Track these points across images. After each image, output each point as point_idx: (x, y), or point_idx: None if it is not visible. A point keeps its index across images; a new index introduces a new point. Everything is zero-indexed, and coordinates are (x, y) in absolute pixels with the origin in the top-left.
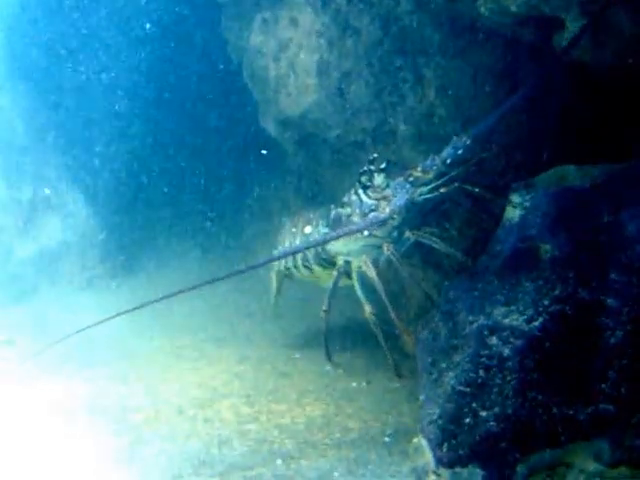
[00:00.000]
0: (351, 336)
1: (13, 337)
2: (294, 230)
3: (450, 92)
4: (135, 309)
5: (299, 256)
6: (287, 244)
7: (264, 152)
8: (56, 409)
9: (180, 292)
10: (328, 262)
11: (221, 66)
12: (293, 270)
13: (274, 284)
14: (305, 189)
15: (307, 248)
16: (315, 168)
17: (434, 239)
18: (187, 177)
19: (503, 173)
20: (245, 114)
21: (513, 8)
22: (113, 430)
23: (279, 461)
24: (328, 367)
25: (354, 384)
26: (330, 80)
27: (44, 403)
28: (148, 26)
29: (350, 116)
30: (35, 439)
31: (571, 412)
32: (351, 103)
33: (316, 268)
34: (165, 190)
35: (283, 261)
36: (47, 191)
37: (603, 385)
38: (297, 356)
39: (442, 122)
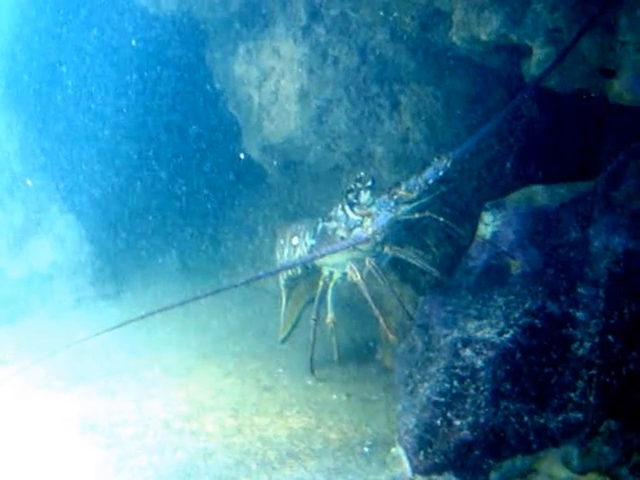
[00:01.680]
0: (331, 352)
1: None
2: (282, 242)
3: (425, 117)
4: (137, 319)
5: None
6: (277, 256)
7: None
8: (47, 424)
9: (183, 303)
10: (312, 274)
11: (207, 92)
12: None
13: (284, 299)
14: (288, 211)
15: (300, 264)
16: (297, 191)
17: (410, 254)
18: (174, 199)
19: (475, 193)
20: (230, 139)
21: (483, 37)
22: (102, 444)
23: (262, 472)
24: (310, 381)
25: (334, 397)
26: (311, 107)
27: (35, 419)
28: (137, 54)
29: (330, 141)
30: (25, 454)
31: (542, 420)
32: (331, 129)
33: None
34: (153, 213)
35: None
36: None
37: (572, 394)
38: (280, 371)
39: (418, 146)
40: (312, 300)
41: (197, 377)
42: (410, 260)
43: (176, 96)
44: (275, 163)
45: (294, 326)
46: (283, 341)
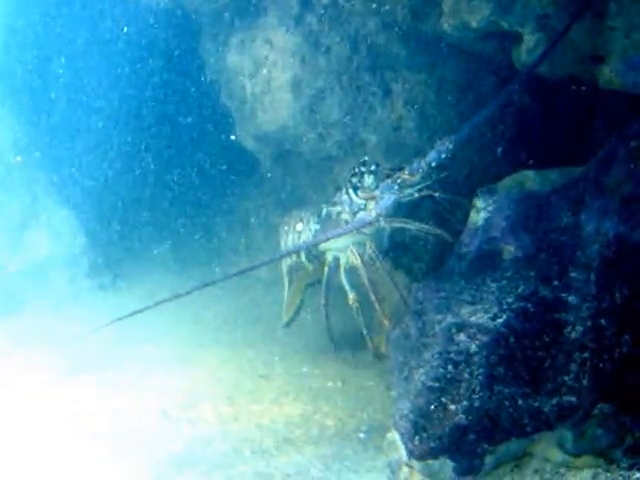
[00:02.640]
0: (326, 340)
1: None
2: (286, 229)
3: (417, 105)
4: (147, 308)
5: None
6: (282, 243)
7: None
8: (46, 415)
9: (192, 291)
10: (318, 258)
11: (200, 83)
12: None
13: (286, 284)
14: (282, 199)
15: (304, 249)
16: (291, 179)
17: (406, 220)
18: (168, 191)
19: (467, 179)
20: (223, 129)
21: (474, 24)
22: (100, 433)
23: (259, 458)
24: (305, 368)
25: (330, 384)
26: (303, 96)
27: (34, 410)
28: (130, 46)
29: (323, 130)
30: (23, 447)
31: (536, 404)
32: (323, 117)
33: (306, 264)
34: (147, 204)
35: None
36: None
37: (565, 378)
38: (275, 359)
39: (409, 133)
40: (313, 283)
41: (193, 366)
42: (407, 226)
43: (169, 87)
44: (268, 152)
45: (298, 310)
46: (287, 325)
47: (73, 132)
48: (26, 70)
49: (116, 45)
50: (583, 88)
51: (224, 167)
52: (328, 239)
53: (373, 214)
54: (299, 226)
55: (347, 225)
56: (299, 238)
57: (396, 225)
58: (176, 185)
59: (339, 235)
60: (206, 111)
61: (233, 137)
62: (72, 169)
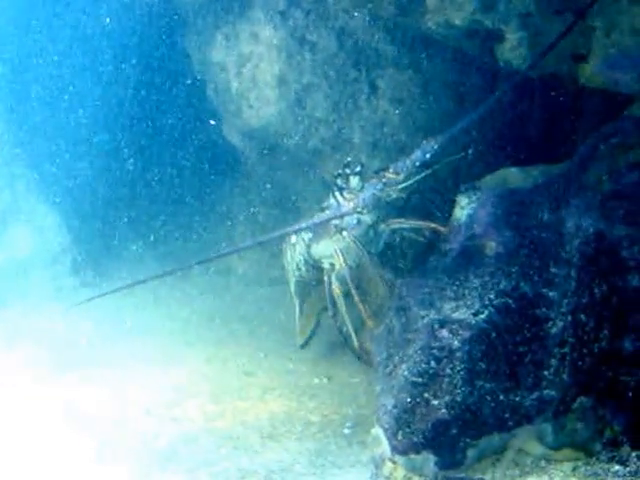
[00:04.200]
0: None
1: None
2: (284, 246)
3: (402, 102)
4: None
5: (302, 265)
6: (285, 262)
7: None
8: (27, 413)
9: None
10: (316, 268)
11: (185, 79)
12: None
13: (297, 307)
14: (268, 195)
15: (287, 233)
16: (277, 175)
17: (402, 220)
18: (152, 188)
19: (451, 177)
20: (207, 126)
21: (457, 22)
22: (84, 432)
23: (244, 455)
24: (291, 365)
25: (316, 380)
26: (289, 92)
27: (16, 407)
28: (112, 42)
29: (309, 126)
30: (6, 446)
31: (517, 398)
32: (310, 114)
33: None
34: (131, 201)
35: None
36: None
37: (546, 372)
38: (261, 355)
39: (395, 131)
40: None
41: (178, 364)
42: (404, 224)
43: (152, 85)
44: (255, 148)
45: (313, 331)
46: (302, 346)
47: (55, 129)
48: (7, 67)
49: (98, 41)
50: (565, 82)
51: (208, 165)
52: (303, 228)
53: (351, 205)
54: (293, 239)
55: (323, 214)
56: (295, 251)
57: (394, 226)
58: (162, 182)
59: (315, 224)
60: (190, 108)
61: (219, 131)
62: (54, 166)
